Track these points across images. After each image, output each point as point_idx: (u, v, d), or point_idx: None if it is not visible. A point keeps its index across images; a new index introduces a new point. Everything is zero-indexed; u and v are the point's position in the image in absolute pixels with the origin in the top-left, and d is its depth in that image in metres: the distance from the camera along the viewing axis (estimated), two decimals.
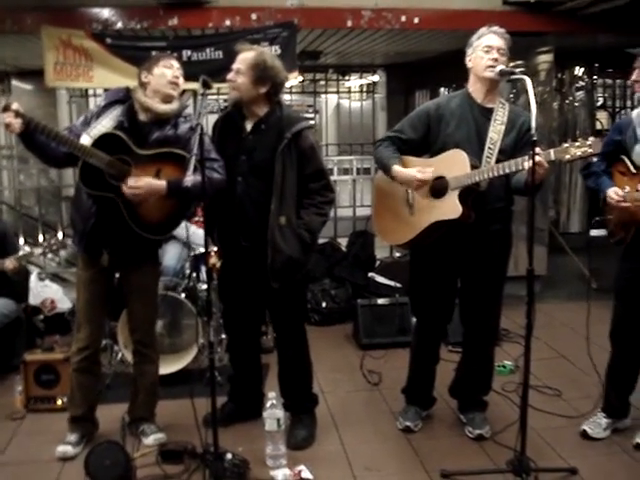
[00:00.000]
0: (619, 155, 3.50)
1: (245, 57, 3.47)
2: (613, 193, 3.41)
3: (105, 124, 3.34)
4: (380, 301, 5.44)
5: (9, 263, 4.33)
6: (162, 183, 3.33)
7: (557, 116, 8.29)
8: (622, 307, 3.63)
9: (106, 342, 4.57)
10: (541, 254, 6.43)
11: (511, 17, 5.73)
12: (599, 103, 9.74)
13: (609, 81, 9.78)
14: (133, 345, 3.74)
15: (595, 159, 3.52)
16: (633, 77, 3.43)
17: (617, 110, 10.01)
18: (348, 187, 7.53)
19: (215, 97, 9.60)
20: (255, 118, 3.55)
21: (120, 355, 4.50)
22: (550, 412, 4.03)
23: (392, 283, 5.99)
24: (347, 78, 10.96)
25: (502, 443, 3.61)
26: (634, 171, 3.41)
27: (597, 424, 3.74)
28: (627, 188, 3.37)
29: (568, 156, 3.11)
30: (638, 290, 3.54)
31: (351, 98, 12.27)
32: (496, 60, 3.41)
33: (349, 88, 11.87)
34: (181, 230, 3.66)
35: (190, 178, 3.00)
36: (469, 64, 3.53)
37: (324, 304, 5.83)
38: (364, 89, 11.79)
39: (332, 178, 4.44)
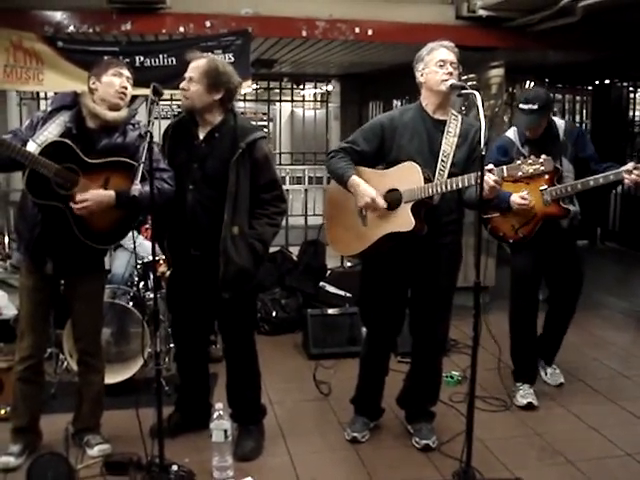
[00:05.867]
0: None
1: (197, 65, 3.45)
2: (519, 199, 3.95)
3: (52, 130, 3.26)
4: (330, 311, 5.45)
5: None
6: (111, 194, 3.28)
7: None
8: (525, 290, 4.25)
9: (51, 350, 4.48)
10: (489, 265, 6.49)
11: (463, 32, 5.81)
12: None
13: (559, 96, 9.95)
14: (78, 354, 3.67)
15: None
16: None
17: None
18: (300, 196, 7.53)
19: (168, 103, 9.54)
20: (208, 126, 3.52)
21: (65, 364, 4.41)
22: (496, 423, 4.08)
23: (342, 293, 6.01)
24: (301, 87, 10.96)
25: (448, 454, 3.63)
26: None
27: (530, 394, 4.32)
28: (526, 191, 3.92)
29: (520, 173, 3.18)
30: (537, 274, 4.21)
31: (305, 107, 12.29)
32: (451, 74, 3.44)
33: (303, 97, 11.87)
34: (129, 240, 3.62)
35: (137, 187, 2.96)
36: (421, 79, 3.55)
37: (274, 313, 5.81)
38: (318, 98, 11.82)
39: (285, 187, 4.43)
